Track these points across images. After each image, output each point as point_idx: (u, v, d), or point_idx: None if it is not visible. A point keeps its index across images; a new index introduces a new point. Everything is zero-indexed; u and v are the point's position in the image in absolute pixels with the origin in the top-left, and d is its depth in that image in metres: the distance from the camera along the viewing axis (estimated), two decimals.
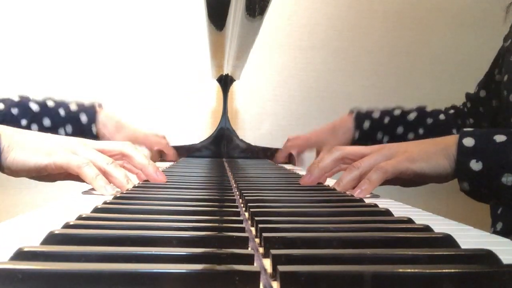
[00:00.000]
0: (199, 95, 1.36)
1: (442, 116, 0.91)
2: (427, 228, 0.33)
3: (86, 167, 0.53)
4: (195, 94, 1.36)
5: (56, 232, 0.27)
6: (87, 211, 0.36)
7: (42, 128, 0.87)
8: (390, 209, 0.40)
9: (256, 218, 0.33)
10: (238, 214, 0.37)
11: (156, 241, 0.27)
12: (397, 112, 0.94)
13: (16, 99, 0.87)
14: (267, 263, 0.26)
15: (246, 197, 0.45)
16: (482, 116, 0.89)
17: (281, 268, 0.21)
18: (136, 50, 1.33)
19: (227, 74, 1.16)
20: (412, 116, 0.92)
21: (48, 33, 1.29)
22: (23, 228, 0.34)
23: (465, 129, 0.56)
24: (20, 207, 1.26)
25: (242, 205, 0.46)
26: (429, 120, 0.91)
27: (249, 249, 0.28)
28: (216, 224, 0.32)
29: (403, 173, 0.56)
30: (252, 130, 1.38)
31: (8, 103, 0.85)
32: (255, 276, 0.21)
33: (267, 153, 1.23)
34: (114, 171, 0.55)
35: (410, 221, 0.36)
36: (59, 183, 0.63)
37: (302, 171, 0.85)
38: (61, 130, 0.90)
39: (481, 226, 0.39)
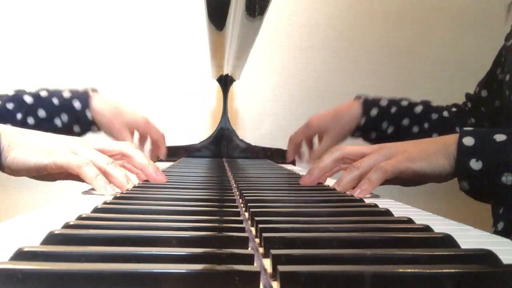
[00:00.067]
0: (199, 95, 1.36)
1: (445, 113, 0.91)
2: (427, 228, 0.33)
3: (86, 167, 0.53)
4: (195, 94, 1.36)
5: (56, 232, 0.27)
6: (87, 211, 0.36)
7: (38, 120, 0.86)
8: (390, 209, 0.40)
9: (256, 218, 0.33)
10: (238, 214, 0.37)
11: (156, 241, 0.27)
12: (404, 103, 0.92)
13: (11, 93, 0.86)
14: (267, 263, 0.26)
15: (246, 197, 0.45)
16: (483, 116, 0.89)
17: (281, 268, 0.21)
18: (136, 50, 1.33)
19: (227, 74, 1.16)
20: (418, 109, 0.91)
21: (48, 34, 1.29)
22: (23, 228, 0.34)
23: (465, 128, 0.56)
24: (20, 207, 1.26)
25: (242, 205, 0.46)
26: (434, 116, 0.90)
27: (249, 249, 0.28)
28: (216, 224, 0.32)
29: (403, 173, 0.56)
30: (252, 130, 1.38)
31: (4, 98, 0.84)
32: (255, 276, 0.21)
33: (267, 153, 1.23)
34: (114, 171, 0.55)
35: (410, 221, 0.36)
36: (59, 183, 0.63)
37: (302, 171, 0.85)
38: (57, 120, 0.88)
39: (481, 226, 0.39)
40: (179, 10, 1.34)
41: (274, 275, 0.24)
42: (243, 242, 0.27)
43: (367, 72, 1.41)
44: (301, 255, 0.25)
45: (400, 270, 0.22)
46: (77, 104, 0.88)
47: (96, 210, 0.37)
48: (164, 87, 1.35)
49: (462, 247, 0.28)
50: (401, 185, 0.62)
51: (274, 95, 1.39)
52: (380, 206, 0.42)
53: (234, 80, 1.21)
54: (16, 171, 0.55)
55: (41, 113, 0.86)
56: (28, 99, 0.85)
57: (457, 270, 0.22)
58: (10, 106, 0.83)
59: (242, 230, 0.30)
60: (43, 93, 0.88)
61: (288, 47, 1.40)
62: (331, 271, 0.22)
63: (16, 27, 1.29)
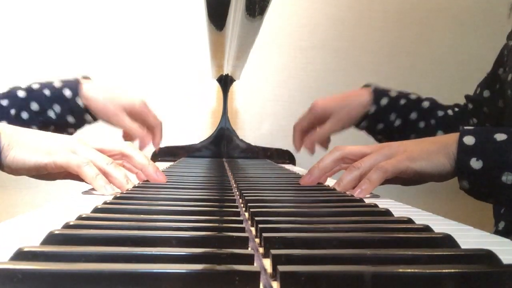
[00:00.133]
0: (199, 95, 1.36)
1: (450, 112, 0.90)
2: (427, 228, 0.33)
3: (86, 166, 0.53)
4: (195, 94, 1.36)
5: (56, 232, 0.27)
6: (87, 211, 0.36)
7: (31, 114, 0.83)
8: (390, 209, 0.40)
9: (256, 218, 0.33)
10: (238, 214, 0.37)
11: (156, 241, 0.27)
12: (413, 97, 0.90)
13: (5, 90, 0.84)
14: (267, 263, 0.26)
15: (246, 197, 0.45)
16: (486, 116, 0.88)
17: (281, 268, 0.21)
18: (136, 50, 1.33)
19: (227, 74, 1.16)
20: (425, 104, 0.89)
21: (48, 34, 1.29)
22: (23, 228, 0.34)
23: (465, 127, 0.56)
24: (20, 207, 1.26)
25: (242, 205, 0.46)
26: (440, 113, 0.88)
27: (249, 249, 0.28)
28: (216, 224, 0.32)
29: (403, 172, 0.56)
30: (252, 130, 1.38)
31: None
32: (255, 276, 0.21)
33: (267, 153, 1.23)
34: (113, 171, 0.55)
35: (410, 221, 0.36)
36: (59, 182, 0.63)
37: (302, 171, 0.85)
38: (50, 112, 0.85)
39: (481, 226, 0.39)
40: (179, 10, 1.34)
41: (274, 275, 0.24)
42: (243, 242, 0.27)
43: (367, 72, 1.41)
44: (301, 255, 0.25)
45: (400, 270, 0.22)
46: (67, 93, 0.85)
47: (96, 210, 0.37)
48: (164, 87, 1.35)
49: (462, 247, 0.28)
50: (401, 184, 0.62)
51: (274, 95, 1.39)
52: (380, 206, 0.42)
53: (234, 80, 1.21)
54: (16, 170, 0.55)
55: (34, 106, 0.84)
56: (21, 94, 0.84)
57: (457, 270, 0.22)
58: (4, 102, 0.82)
59: (242, 230, 0.30)
60: (35, 86, 0.85)
61: (288, 47, 1.40)
62: (331, 271, 0.22)
63: (16, 27, 1.29)
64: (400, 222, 0.36)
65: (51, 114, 0.85)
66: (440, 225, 0.37)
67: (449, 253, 0.26)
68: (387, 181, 0.57)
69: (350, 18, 1.41)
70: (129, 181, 0.55)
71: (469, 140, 0.54)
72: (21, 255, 0.23)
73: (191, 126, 1.35)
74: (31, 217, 0.37)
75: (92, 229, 0.29)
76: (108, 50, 1.32)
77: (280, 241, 0.27)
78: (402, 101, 0.88)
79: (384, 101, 0.87)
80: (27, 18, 1.29)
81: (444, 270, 0.22)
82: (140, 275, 0.21)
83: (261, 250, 0.29)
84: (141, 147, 0.91)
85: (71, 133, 0.89)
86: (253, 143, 1.25)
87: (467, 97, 0.93)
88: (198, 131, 1.33)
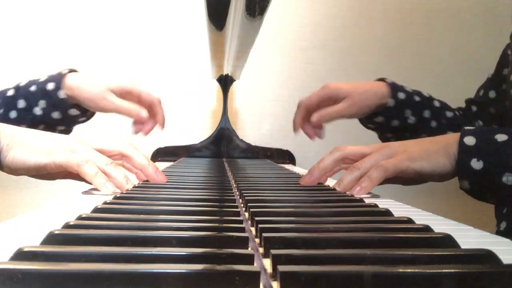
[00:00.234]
0: (199, 95, 1.36)
1: (457, 113, 0.90)
2: (427, 228, 0.33)
3: (86, 165, 0.53)
4: (195, 94, 1.36)
5: (56, 232, 0.27)
6: (87, 211, 0.36)
7: (19, 112, 0.80)
8: (390, 209, 0.40)
9: (256, 218, 0.33)
10: (238, 214, 0.37)
11: (156, 241, 0.27)
12: (425, 94, 0.87)
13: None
14: (267, 263, 0.26)
15: (246, 197, 0.45)
16: (493, 117, 0.87)
17: (281, 268, 0.21)
18: (136, 50, 1.33)
19: (227, 74, 1.16)
20: (436, 103, 0.87)
21: (48, 33, 1.29)
22: (23, 228, 0.34)
23: (466, 128, 0.56)
24: (20, 207, 1.26)
25: (242, 205, 0.46)
26: (449, 113, 0.87)
27: (249, 249, 0.28)
28: (216, 224, 0.32)
29: (403, 172, 0.56)
30: (252, 130, 1.38)
31: None
32: (255, 276, 0.21)
33: (267, 153, 1.23)
34: (113, 172, 0.55)
35: (410, 221, 0.36)
36: (59, 182, 0.63)
37: (302, 171, 0.85)
38: (36, 109, 0.80)
39: (481, 226, 0.39)
40: (179, 10, 1.34)
41: (274, 275, 0.24)
42: (243, 242, 0.27)
43: (367, 72, 1.41)
44: (301, 255, 0.25)
45: (400, 270, 0.22)
46: (50, 86, 0.80)
47: (96, 210, 0.37)
48: (164, 87, 1.35)
49: (462, 247, 0.28)
50: (401, 184, 0.62)
51: (274, 95, 1.39)
52: (380, 206, 0.42)
53: (234, 80, 1.21)
54: (16, 170, 0.55)
55: (21, 103, 0.80)
56: (10, 92, 0.81)
57: (457, 270, 0.22)
58: None
59: (242, 230, 0.30)
60: (23, 83, 0.83)
61: (288, 47, 1.40)
62: (331, 271, 0.22)
63: (17, 27, 1.29)
64: (400, 222, 0.36)
65: (37, 110, 0.81)
66: (440, 225, 0.37)
67: (449, 253, 0.26)
68: (387, 180, 0.57)
69: (350, 18, 1.41)
70: (128, 181, 0.55)
71: (470, 140, 0.54)
72: (21, 255, 0.23)
73: (191, 126, 1.35)
74: (31, 217, 0.37)
75: (92, 229, 0.29)
76: (108, 50, 1.32)
77: (280, 241, 0.27)
78: (417, 98, 0.85)
79: (401, 96, 0.84)
80: (27, 18, 1.29)
81: (444, 270, 0.22)
82: (140, 275, 0.21)
83: (261, 250, 0.29)
84: (145, 130, 0.87)
85: (61, 132, 0.85)
86: (253, 143, 1.25)
87: (469, 101, 0.91)
88: (198, 131, 1.33)
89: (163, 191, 0.51)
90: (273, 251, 0.24)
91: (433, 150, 0.56)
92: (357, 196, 0.53)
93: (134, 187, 0.54)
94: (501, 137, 0.53)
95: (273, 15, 1.32)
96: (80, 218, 0.33)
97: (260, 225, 0.31)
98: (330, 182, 0.63)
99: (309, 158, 1.21)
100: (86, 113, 0.85)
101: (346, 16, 1.41)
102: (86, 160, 0.54)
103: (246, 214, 0.41)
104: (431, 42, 1.43)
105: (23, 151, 0.54)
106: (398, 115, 0.84)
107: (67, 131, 0.88)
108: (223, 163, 1.02)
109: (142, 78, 1.33)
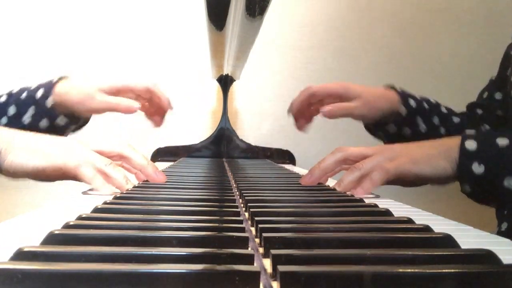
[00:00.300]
0: (199, 95, 1.36)
1: (464, 118, 0.88)
2: (427, 228, 0.33)
3: (84, 167, 0.53)
4: (195, 94, 1.36)
5: (56, 232, 0.27)
6: (87, 211, 0.36)
7: (10, 119, 0.78)
8: (390, 209, 0.40)
9: (256, 218, 0.33)
10: (238, 214, 0.37)
11: (156, 241, 0.27)
12: (432, 100, 0.85)
13: None
14: (267, 263, 0.26)
15: (246, 197, 0.45)
16: (499, 119, 0.84)
17: (281, 268, 0.21)
18: (136, 50, 1.33)
19: (227, 74, 1.16)
20: (444, 109, 0.85)
21: (47, 33, 1.29)
22: (23, 228, 0.34)
23: (467, 131, 0.56)
24: (20, 207, 1.26)
25: (242, 205, 0.46)
26: (455, 119, 0.85)
27: (249, 249, 0.28)
28: (216, 224, 0.32)
29: (404, 175, 0.56)
30: (252, 130, 1.38)
31: None
32: (255, 276, 0.21)
33: (267, 153, 1.23)
34: (112, 172, 0.55)
35: (410, 221, 0.36)
36: (59, 182, 0.63)
37: (302, 171, 0.85)
38: (25, 117, 0.78)
39: (481, 226, 0.39)
40: (179, 10, 1.34)
41: (274, 275, 0.24)
42: (243, 242, 0.27)
43: (367, 72, 1.41)
44: (301, 255, 0.25)
45: (400, 270, 0.22)
46: (40, 93, 0.79)
47: (96, 210, 0.37)
48: (164, 87, 1.35)
49: (462, 247, 0.28)
50: (401, 185, 0.62)
51: (274, 95, 1.39)
52: (380, 206, 0.42)
53: (234, 80, 1.21)
54: (15, 174, 0.55)
55: (11, 110, 0.79)
56: (2, 99, 0.80)
57: (457, 270, 0.22)
58: None
59: (242, 230, 0.30)
60: (16, 90, 0.82)
61: (288, 47, 1.40)
62: (331, 271, 0.22)
63: (18, 28, 1.29)
64: (400, 222, 0.36)
65: (26, 118, 0.79)
66: (440, 225, 0.37)
67: (449, 253, 0.26)
68: (387, 182, 0.57)
69: (350, 18, 1.41)
70: (128, 181, 0.55)
71: (470, 144, 0.54)
72: (21, 255, 0.23)
73: (191, 126, 1.35)
74: (31, 217, 0.37)
75: (92, 229, 0.29)
76: (108, 50, 1.32)
77: (280, 241, 0.27)
78: (426, 105, 0.83)
79: (412, 103, 0.82)
80: (27, 18, 1.29)
81: (444, 270, 0.22)
82: (140, 275, 0.21)
83: (261, 250, 0.28)
84: (156, 121, 0.86)
85: None
86: (253, 143, 1.25)
87: (473, 104, 0.89)
88: (198, 131, 1.33)
89: (163, 191, 0.51)
90: (273, 251, 0.24)
91: (434, 154, 0.56)
92: (358, 196, 0.53)
93: (134, 187, 0.54)
94: (502, 141, 0.53)
95: (273, 15, 1.32)
96: (80, 218, 0.33)
97: (260, 225, 0.31)
98: (331, 182, 0.63)
99: (309, 158, 1.21)
100: (77, 122, 0.84)
101: (346, 16, 1.41)
102: (84, 162, 0.54)
103: (246, 214, 0.41)
104: (431, 42, 1.43)
105: (21, 155, 0.54)
106: (411, 123, 0.82)
107: None
108: (223, 163, 1.02)
109: (142, 78, 1.33)
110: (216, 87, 1.29)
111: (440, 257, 0.25)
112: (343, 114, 0.81)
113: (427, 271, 0.22)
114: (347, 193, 0.55)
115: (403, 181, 0.59)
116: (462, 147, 0.54)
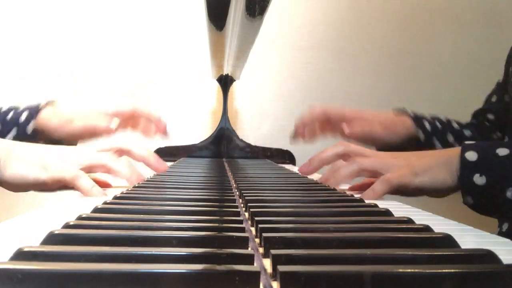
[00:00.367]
0: (199, 95, 1.36)
1: (473, 130, 0.85)
2: (427, 228, 0.33)
3: (81, 179, 0.53)
4: (195, 94, 1.36)
5: (56, 232, 0.27)
6: (87, 211, 0.36)
7: None
8: (390, 209, 0.40)
9: (256, 218, 0.33)
10: (238, 214, 0.37)
11: (156, 241, 0.27)
12: (442, 118, 0.85)
13: None
14: (267, 263, 0.26)
15: (246, 197, 0.45)
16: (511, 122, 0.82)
17: (281, 268, 0.21)
18: (136, 50, 1.33)
19: (227, 74, 1.16)
20: (455, 124, 0.84)
21: (47, 33, 1.29)
22: (23, 228, 0.34)
23: (467, 142, 0.56)
24: (20, 207, 1.26)
25: (242, 205, 0.46)
26: (467, 132, 0.84)
27: (249, 249, 0.28)
28: (216, 224, 0.32)
29: (405, 186, 0.56)
30: (252, 130, 1.38)
31: None
32: (255, 276, 0.21)
33: (267, 153, 1.23)
34: (114, 165, 0.55)
35: (410, 221, 0.36)
36: None
37: None
38: (8, 137, 0.79)
39: (481, 226, 0.39)
40: (179, 10, 1.34)
41: (274, 275, 0.24)
42: (243, 242, 0.27)
43: (367, 72, 1.41)
44: (301, 255, 0.25)
45: (400, 270, 0.22)
46: (23, 117, 0.79)
47: (96, 210, 0.37)
48: (164, 87, 1.35)
49: (462, 247, 0.28)
50: (400, 195, 0.62)
51: (274, 95, 1.39)
52: (380, 206, 0.42)
53: (234, 80, 1.21)
54: (15, 186, 0.54)
55: None
56: None
57: (457, 270, 0.22)
58: None
59: (242, 230, 0.30)
60: (4, 108, 0.81)
61: (288, 47, 1.40)
62: (331, 271, 0.22)
63: (18, 27, 1.29)
64: (400, 222, 0.36)
65: (8, 139, 0.78)
66: (440, 225, 0.37)
67: (449, 253, 0.26)
68: (388, 193, 0.57)
69: (350, 18, 1.41)
70: (134, 169, 0.55)
71: (471, 155, 0.53)
72: (21, 255, 0.23)
73: (191, 126, 1.35)
74: (31, 217, 0.37)
75: (92, 229, 0.29)
76: (108, 51, 1.32)
77: (280, 241, 0.27)
78: (439, 124, 0.83)
79: (427, 126, 0.82)
80: (27, 18, 1.29)
81: (444, 270, 0.22)
82: (140, 275, 0.21)
83: (261, 250, 0.28)
84: (147, 132, 0.86)
85: None
86: (253, 143, 1.25)
87: (482, 111, 0.88)
88: (198, 131, 1.33)
89: (163, 191, 0.51)
90: (273, 251, 0.24)
91: (435, 165, 0.56)
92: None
93: (134, 187, 0.54)
94: (502, 151, 0.52)
95: (273, 15, 1.32)
96: (80, 218, 0.33)
97: (260, 225, 0.31)
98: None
99: (308, 155, 1.21)
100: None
101: (346, 16, 1.41)
102: (81, 173, 0.53)
103: (246, 214, 0.41)
104: (431, 42, 1.43)
105: (20, 167, 0.53)
106: (427, 145, 0.82)
107: None
108: (223, 163, 1.02)
109: (142, 78, 1.33)
110: (216, 87, 1.29)
111: (440, 257, 0.25)
112: (364, 136, 0.82)
113: (427, 271, 0.22)
114: (347, 193, 0.55)
115: (402, 192, 0.59)
116: (462, 158, 0.53)
